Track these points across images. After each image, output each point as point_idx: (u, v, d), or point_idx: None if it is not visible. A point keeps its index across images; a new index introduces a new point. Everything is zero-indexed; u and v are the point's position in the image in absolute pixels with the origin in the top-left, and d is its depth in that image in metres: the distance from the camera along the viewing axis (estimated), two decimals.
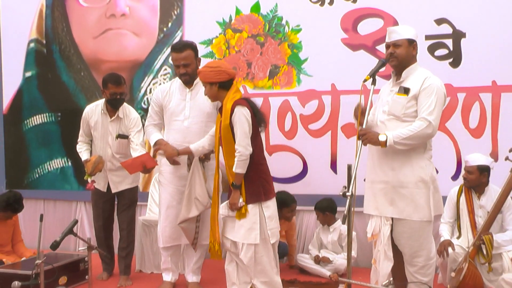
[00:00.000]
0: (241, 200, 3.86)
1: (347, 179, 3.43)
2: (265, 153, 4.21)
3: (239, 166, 3.83)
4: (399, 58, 3.69)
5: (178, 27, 6.13)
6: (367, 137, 3.55)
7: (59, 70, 6.68)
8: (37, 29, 6.78)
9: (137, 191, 5.28)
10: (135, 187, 5.22)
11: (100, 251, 4.85)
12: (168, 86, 4.64)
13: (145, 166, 4.70)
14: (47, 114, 6.71)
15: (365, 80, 3.62)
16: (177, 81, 4.60)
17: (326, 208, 5.32)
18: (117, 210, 5.23)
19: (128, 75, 6.22)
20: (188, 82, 4.48)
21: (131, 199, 5.18)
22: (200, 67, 4.29)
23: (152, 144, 4.59)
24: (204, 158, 4.46)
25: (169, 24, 6.19)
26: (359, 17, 5.52)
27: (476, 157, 4.56)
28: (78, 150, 5.15)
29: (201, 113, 4.48)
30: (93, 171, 4.88)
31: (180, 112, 4.50)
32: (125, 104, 5.09)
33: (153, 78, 6.20)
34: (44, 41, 6.76)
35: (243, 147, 3.80)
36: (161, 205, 4.65)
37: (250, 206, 3.86)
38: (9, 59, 6.93)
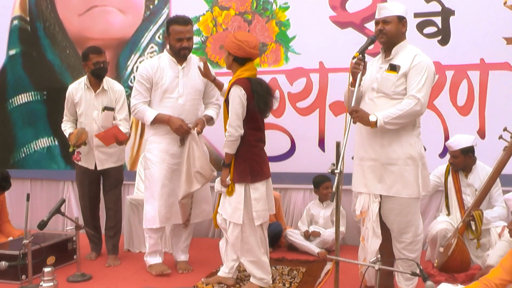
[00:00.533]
0: (228, 178, 3.91)
1: (336, 156, 3.43)
2: None
3: (227, 146, 3.89)
4: (388, 35, 3.67)
5: (164, 4, 6.09)
6: (359, 115, 3.52)
7: (44, 48, 6.62)
8: (20, 6, 6.70)
9: (122, 170, 5.29)
10: (121, 166, 5.23)
11: (87, 230, 4.86)
12: (156, 61, 4.50)
13: (117, 138, 4.81)
14: (32, 93, 6.67)
15: (354, 58, 3.61)
16: (166, 57, 4.50)
17: (317, 184, 5.37)
18: (103, 190, 5.23)
19: (114, 53, 6.19)
20: (186, 56, 4.43)
21: (117, 179, 5.19)
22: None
23: (150, 120, 4.42)
24: (200, 132, 4.48)
25: (156, 1, 6.13)
26: None
27: (458, 140, 4.61)
28: (62, 128, 5.14)
29: (194, 90, 4.48)
30: (76, 142, 4.88)
31: (174, 89, 4.43)
32: (107, 77, 5.11)
33: (140, 56, 6.16)
34: (28, 18, 6.69)
35: (233, 127, 3.84)
36: (152, 184, 4.49)
37: (236, 185, 3.92)
38: None
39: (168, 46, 4.52)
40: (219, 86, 4.42)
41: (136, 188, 5.83)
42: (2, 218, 5.39)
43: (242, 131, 3.87)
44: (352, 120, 3.49)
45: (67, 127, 5.11)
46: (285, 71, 5.67)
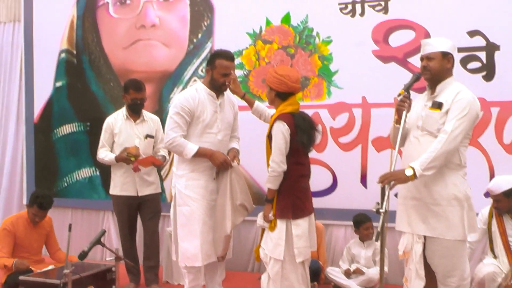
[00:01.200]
0: (271, 214, 3.89)
1: (381, 195, 3.38)
2: None
3: (270, 181, 3.86)
4: (432, 72, 3.62)
5: (208, 38, 6.16)
6: (394, 178, 3.43)
7: (88, 80, 6.76)
8: (68, 40, 6.89)
9: (160, 201, 5.38)
10: (159, 195, 5.37)
11: (127, 262, 4.88)
12: (195, 93, 4.36)
13: (153, 162, 5.16)
14: (76, 123, 6.81)
15: (399, 95, 3.57)
16: (203, 89, 4.37)
17: (358, 223, 5.26)
18: (142, 220, 5.34)
19: (157, 86, 6.28)
20: (224, 91, 4.41)
21: (155, 208, 5.31)
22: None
23: (191, 154, 4.28)
24: (238, 163, 4.47)
25: (199, 35, 6.22)
26: (390, 29, 5.47)
27: (498, 183, 4.50)
28: (101, 156, 5.27)
29: (229, 125, 4.46)
30: (137, 153, 5.11)
31: (213, 124, 4.35)
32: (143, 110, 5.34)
33: (182, 89, 6.18)
34: (75, 52, 6.86)
35: (275, 163, 3.82)
36: (192, 221, 4.35)
37: (278, 221, 3.88)
38: (40, 69, 7.06)
39: (205, 79, 4.43)
40: (250, 102, 4.42)
41: None
42: (53, 247, 5.43)
43: (285, 167, 3.84)
44: (391, 187, 3.41)
45: (107, 153, 5.26)
46: (328, 105, 5.65)
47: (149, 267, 5.23)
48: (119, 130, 5.22)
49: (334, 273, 5.22)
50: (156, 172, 5.41)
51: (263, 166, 5.62)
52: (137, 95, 5.16)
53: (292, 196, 3.89)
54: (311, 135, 3.98)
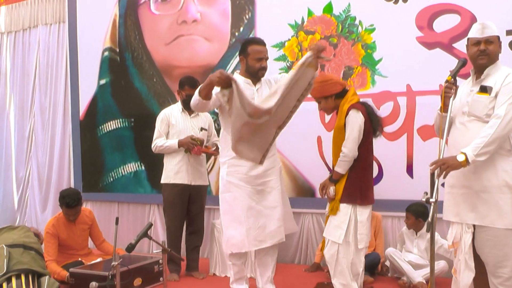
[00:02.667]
0: (332, 189, 4.04)
1: (430, 184, 3.31)
2: None
3: (340, 166, 4.02)
4: (490, 56, 3.49)
5: (249, 31, 6.18)
6: (447, 165, 3.36)
7: (131, 77, 6.88)
8: (111, 38, 7.04)
9: (206, 194, 5.55)
10: (206, 188, 5.59)
11: (174, 254, 4.93)
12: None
13: (206, 152, 5.37)
14: (120, 119, 6.94)
15: (446, 81, 3.49)
16: (239, 79, 4.38)
17: (421, 214, 5.11)
18: (188, 212, 5.48)
19: (200, 80, 6.13)
20: (262, 77, 4.45)
21: (203, 201, 5.54)
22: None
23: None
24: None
25: (241, 29, 6.25)
26: (434, 14, 5.37)
27: None
28: (160, 143, 5.35)
29: None
30: (202, 140, 5.34)
31: None
32: None
33: None
34: (118, 49, 7.01)
35: (348, 149, 3.98)
36: (235, 207, 4.38)
37: (343, 205, 4.02)
38: (85, 68, 7.24)
39: (241, 69, 4.49)
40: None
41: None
42: (98, 238, 5.55)
43: (356, 153, 4.00)
44: (443, 175, 3.36)
45: (167, 140, 5.39)
46: (372, 94, 5.60)
47: (193, 248, 5.50)
48: (176, 122, 5.38)
49: (397, 254, 5.11)
50: (205, 164, 5.60)
51: (307, 158, 5.62)
52: (192, 91, 5.03)
53: (360, 183, 4.05)
54: (380, 123, 4.19)
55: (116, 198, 6.99)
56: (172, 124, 5.39)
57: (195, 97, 4.20)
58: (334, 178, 4.06)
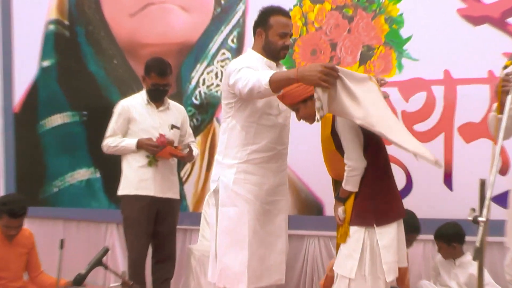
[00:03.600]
0: (341, 210, 3.93)
1: (479, 198, 3.23)
2: None
3: (349, 182, 3.88)
4: None
5: None
6: None
7: (85, 58, 6.85)
8: (57, 7, 7.00)
9: (179, 210, 5.53)
10: (179, 202, 5.55)
11: None
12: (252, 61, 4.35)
13: (175, 155, 5.29)
14: (69, 113, 6.89)
15: (505, 67, 3.35)
16: (256, 58, 4.35)
17: (453, 237, 5.05)
18: (154, 233, 5.40)
19: (175, 61, 6.24)
20: (283, 58, 4.44)
21: (174, 219, 5.47)
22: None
23: None
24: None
25: None
26: None
27: None
28: (112, 144, 5.32)
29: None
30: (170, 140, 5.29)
31: (273, 103, 4.33)
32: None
33: (208, 66, 6.22)
34: (67, 22, 6.98)
35: (353, 160, 3.84)
36: (239, 227, 4.25)
37: (353, 229, 3.86)
38: (22, 46, 7.21)
39: (257, 45, 4.39)
40: None
41: (201, 235, 5.80)
42: (37, 269, 5.44)
43: (365, 162, 3.86)
44: None
45: (123, 139, 5.34)
46: (398, 83, 5.55)
47: (162, 281, 5.41)
48: (138, 116, 5.32)
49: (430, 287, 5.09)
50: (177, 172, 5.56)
51: (313, 167, 5.55)
52: (160, 80, 5.28)
53: (375, 197, 3.90)
54: None
55: (62, 214, 6.89)
56: (134, 120, 5.34)
57: (260, 83, 3.97)
58: (341, 196, 3.96)
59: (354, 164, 3.83)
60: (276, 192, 4.33)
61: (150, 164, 5.21)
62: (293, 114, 4.18)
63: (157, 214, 5.34)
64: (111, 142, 5.31)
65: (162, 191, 5.31)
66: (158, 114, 5.37)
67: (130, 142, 5.25)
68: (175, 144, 5.34)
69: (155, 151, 5.15)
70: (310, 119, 3.98)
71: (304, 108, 3.95)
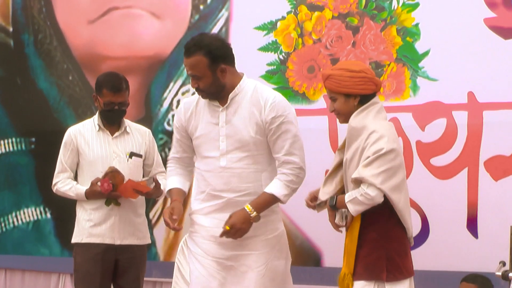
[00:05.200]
0: (339, 216, 4.15)
1: (510, 249, 3.22)
2: None
3: (355, 203, 4.00)
4: None
5: (222, 3, 6.18)
6: None
7: (33, 72, 6.84)
8: (0, 11, 6.96)
9: (146, 259, 5.43)
10: (145, 249, 5.41)
11: None
12: (194, 100, 4.53)
13: (140, 191, 5.14)
14: (14, 139, 6.86)
15: None
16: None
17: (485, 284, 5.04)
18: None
19: (143, 79, 6.32)
20: (212, 99, 4.42)
21: (138, 269, 5.33)
22: (222, 77, 4.29)
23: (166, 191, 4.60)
24: None
25: (208, 0, 6.21)
26: None
27: None
28: (64, 188, 5.24)
29: (241, 144, 4.39)
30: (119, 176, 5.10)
31: (213, 143, 4.39)
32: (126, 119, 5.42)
33: (183, 85, 6.24)
34: (11, 29, 6.95)
35: (375, 190, 3.95)
36: (191, 285, 4.44)
37: (359, 284, 3.94)
38: None
39: None
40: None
41: None
42: None
43: (382, 198, 3.97)
44: None
45: (72, 184, 5.22)
46: (413, 107, 5.59)
47: None
48: (88, 146, 5.23)
49: None
50: (144, 212, 5.45)
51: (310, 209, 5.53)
52: (114, 97, 5.17)
53: (388, 247, 3.99)
54: None
55: (4, 263, 6.82)
56: (82, 151, 5.27)
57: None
58: (337, 207, 4.13)
59: (375, 195, 3.92)
60: (238, 245, 4.31)
61: (108, 204, 5.13)
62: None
63: (116, 265, 5.27)
64: (60, 185, 5.27)
65: (120, 237, 5.21)
66: (113, 142, 5.28)
67: (79, 191, 5.17)
68: (140, 177, 5.28)
69: (109, 198, 5.09)
70: (342, 117, 4.25)
71: (343, 103, 4.17)
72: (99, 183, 5.03)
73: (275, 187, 4.26)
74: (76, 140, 5.26)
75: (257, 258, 4.30)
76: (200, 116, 4.42)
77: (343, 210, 4.11)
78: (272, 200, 4.26)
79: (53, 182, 5.30)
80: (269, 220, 4.35)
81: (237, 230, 4.14)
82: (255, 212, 4.14)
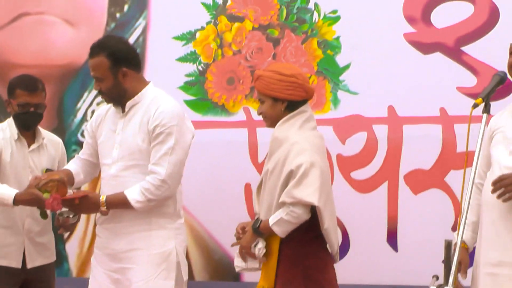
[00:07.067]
0: (260, 244, 4.09)
1: (445, 263, 3.38)
2: None
3: (281, 225, 4.02)
4: None
5: (139, 11, 6.16)
6: None
7: None
8: None
9: (54, 277, 5.30)
10: (53, 265, 5.24)
11: None
12: (106, 107, 4.62)
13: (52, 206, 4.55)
14: None
15: (475, 105, 3.51)
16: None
17: None
18: None
19: (56, 88, 6.26)
20: (114, 104, 4.50)
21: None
22: (123, 81, 4.35)
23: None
24: None
25: (125, 7, 6.23)
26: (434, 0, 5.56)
27: None
28: None
29: (130, 152, 4.44)
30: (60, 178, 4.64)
31: (109, 150, 4.47)
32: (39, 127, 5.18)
33: (98, 95, 6.02)
34: None
35: (301, 209, 4.01)
36: None
37: None
38: None
39: None
40: None
41: None
42: None
43: (309, 214, 4.04)
44: (503, 198, 3.42)
45: None
46: (333, 120, 5.69)
47: None
48: (10, 157, 4.99)
49: None
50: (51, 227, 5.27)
51: (228, 218, 5.61)
52: (30, 97, 4.97)
53: (303, 264, 4.05)
54: None
55: None
56: (3, 162, 4.99)
57: None
58: (261, 231, 4.11)
59: (301, 211, 3.98)
60: (122, 258, 4.37)
61: (43, 216, 4.91)
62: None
63: (22, 286, 5.10)
64: None
65: (32, 258, 5.05)
66: (29, 154, 5.06)
67: (5, 192, 4.71)
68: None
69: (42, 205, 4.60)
70: (269, 121, 4.28)
71: (270, 106, 4.21)
72: (47, 195, 4.43)
73: (131, 190, 4.27)
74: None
75: (137, 273, 4.32)
76: (105, 123, 4.51)
77: (259, 247, 4.10)
78: (124, 201, 4.26)
79: None
80: (155, 234, 4.37)
81: (82, 211, 4.46)
82: (105, 207, 4.22)
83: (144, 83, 4.41)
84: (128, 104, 4.36)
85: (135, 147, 4.36)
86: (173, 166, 4.23)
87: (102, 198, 4.20)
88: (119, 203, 4.23)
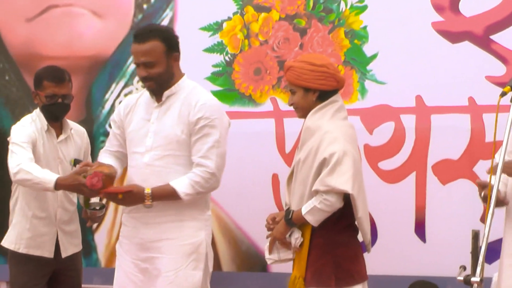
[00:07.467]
0: (296, 234, 4.14)
1: (472, 253, 3.34)
2: None
3: (314, 213, 4.08)
4: None
5: (166, 2, 6.17)
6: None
7: None
8: None
9: (82, 266, 5.39)
10: (79, 257, 5.34)
11: None
12: (136, 96, 4.70)
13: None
14: None
15: (503, 94, 3.50)
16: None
17: None
18: None
19: (84, 79, 6.30)
20: (155, 92, 4.51)
21: (77, 283, 5.28)
22: (174, 66, 4.45)
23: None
24: None
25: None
26: None
27: None
28: (28, 169, 4.77)
29: (167, 141, 4.48)
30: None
31: (142, 139, 4.50)
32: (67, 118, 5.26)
33: (125, 86, 6.22)
34: None
35: (334, 196, 4.07)
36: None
37: None
38: None
39: None
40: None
41: None
42: None
43: (342, 203, 4.09)
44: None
45: (37, 168, 4.82)
46: (361, 110, 5.68)
47: None
48: (42, 148, 5.04)
49: None
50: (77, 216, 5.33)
51: (256, 209, 5.62)
52: (57, 88, 5.05)
53: (336, 251, 4.10)
54: None
55: None
56: (37, 152, 5.01)
57: None
58: (294, 222, 4.15)
59: (334, 199, 4.02)
60: (151, 248, 4.41)
61: (87, 205, 5.06)
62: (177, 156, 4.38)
63: (52, 275, 5.18)
64: (25, 166, 4.75)
65: (64, 248, 5.13)
66: (58, 145, 5.13)
67: (48, 177, 4.70)
68: None
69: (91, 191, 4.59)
70: (300, 111, 4.35)
71: (301, 96, 4.28)
72: (87, 174, 4.49)
73: (180, 183, 4.30)
74: (35, 138, 5.00)
75: (167, 263, 4.36)
76: (137, 112, 4.55)
77: (296, 236, 4.16)
78: (172, 194, 4.30)
79: (14, 165, 4.81)
80: (186, 225, 4.42)
81: (125, 204, 4.40)
82: (151, 200, 4.23)
83: (181, 73, 4.48)
84: (166, 93, 4.42)
85: (174, 137, 4.41)
86: (220, 158, 4.33)
87: (147, 191, 4.23)
88: (166, 196, 4.29)
